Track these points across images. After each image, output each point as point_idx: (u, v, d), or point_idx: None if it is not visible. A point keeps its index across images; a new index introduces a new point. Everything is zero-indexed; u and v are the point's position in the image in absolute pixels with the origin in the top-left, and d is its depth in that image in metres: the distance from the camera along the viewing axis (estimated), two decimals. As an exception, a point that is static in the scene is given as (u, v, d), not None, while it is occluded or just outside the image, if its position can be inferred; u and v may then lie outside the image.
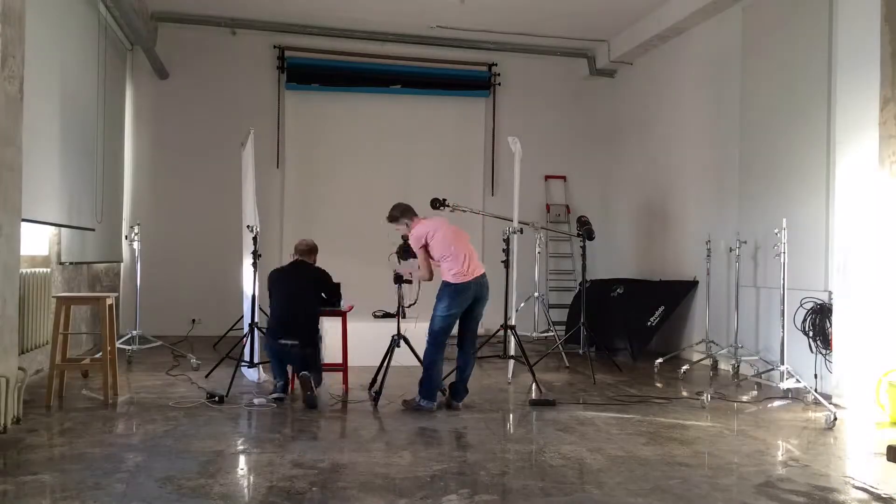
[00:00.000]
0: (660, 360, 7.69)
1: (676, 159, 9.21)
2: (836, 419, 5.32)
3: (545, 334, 8.97)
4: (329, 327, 7.56)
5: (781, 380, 5.95)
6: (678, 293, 8.52)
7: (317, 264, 6.33)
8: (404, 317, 6.01)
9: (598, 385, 6.69)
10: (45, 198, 6.42)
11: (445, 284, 5.56)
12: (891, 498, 3.72)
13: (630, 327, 8.46)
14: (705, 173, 8.57)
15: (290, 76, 10.28)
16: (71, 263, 7.42)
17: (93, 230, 7.76)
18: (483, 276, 5.66)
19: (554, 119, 11.03)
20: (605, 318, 8.64)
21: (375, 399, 5.73)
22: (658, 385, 6.83)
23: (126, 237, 9.05)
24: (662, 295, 8.55)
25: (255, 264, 6.43)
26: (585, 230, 8.18)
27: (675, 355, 7.92)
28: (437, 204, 6.65)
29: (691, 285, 8.48)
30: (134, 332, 7.50)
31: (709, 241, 7.68)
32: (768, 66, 7.42)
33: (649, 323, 8.33)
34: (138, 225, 7.87)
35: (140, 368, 7.12)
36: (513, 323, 6.90)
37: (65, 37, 7.02)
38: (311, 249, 6.34)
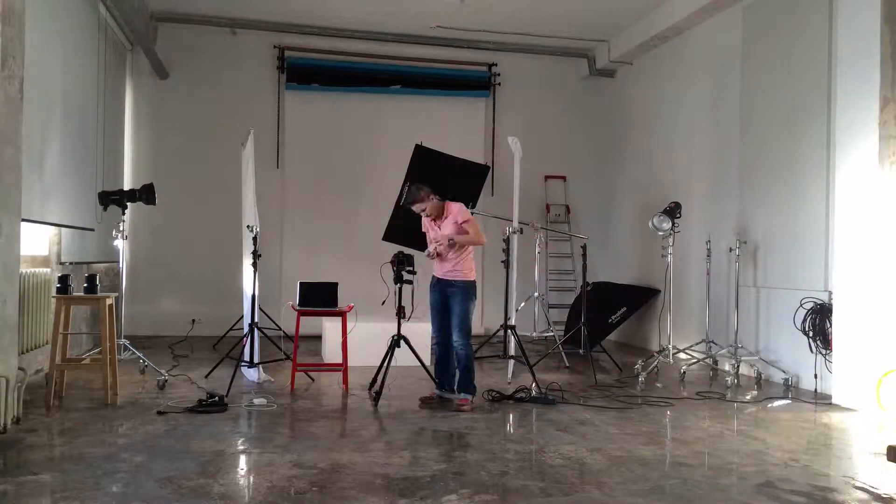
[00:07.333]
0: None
1: (676, 159, 9.21)
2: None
3: (545, 334, 8.97)
4: (329, 327, 7.57)
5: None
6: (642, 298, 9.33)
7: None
8: (404, 317, 6.01)
9: (597, 385, 6.69)
10: (45, 198, 6.42)
11: (470, 283, 5.72)
12: (891, 498, 3.72)
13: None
14: (705, 173, 8.57)
15: (290, 76, 10.28)
16: (71, 263, 7.41)
17: (92, 230, 7.75)
18: None
19: (554, 119, 11.04)
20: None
21: (375, 399, 5.73)
22: (658, 385, 6.83)
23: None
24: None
25: (255, 264, 6.44)
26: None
27: (675, 354, 7.90)
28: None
29: (653, 293, 9.22)
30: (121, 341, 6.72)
31: (709, 241, 7.68)
32: (768, 66, 7.42)
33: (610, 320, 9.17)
34: (123, 222, 7.44)
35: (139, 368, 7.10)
36: (513, 323, 6.90)
37: (65, 37, 7.01)
38: None
